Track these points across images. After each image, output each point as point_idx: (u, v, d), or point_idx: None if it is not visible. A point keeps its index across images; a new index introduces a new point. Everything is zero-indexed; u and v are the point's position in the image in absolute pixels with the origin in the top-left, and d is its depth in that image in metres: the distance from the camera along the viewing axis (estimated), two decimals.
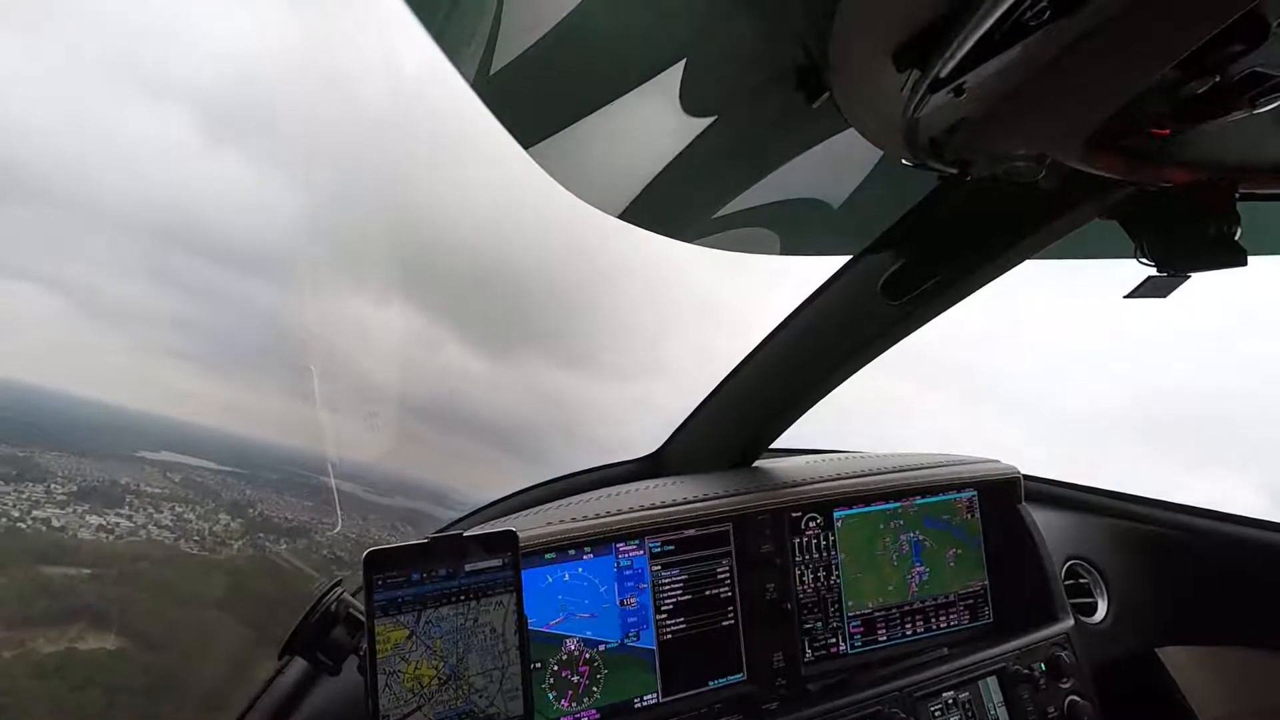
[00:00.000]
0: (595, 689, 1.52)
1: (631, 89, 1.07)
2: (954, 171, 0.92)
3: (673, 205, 1.40)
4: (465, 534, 1.09)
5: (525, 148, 1.17)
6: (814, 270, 1.61)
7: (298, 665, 1.42)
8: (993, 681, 1.75)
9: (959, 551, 1.95)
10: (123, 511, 4.90)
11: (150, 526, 4.86)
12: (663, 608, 1.61)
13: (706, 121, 1.14)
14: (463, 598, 1.06)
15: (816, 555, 1.78)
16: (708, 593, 1.66)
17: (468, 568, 1.07)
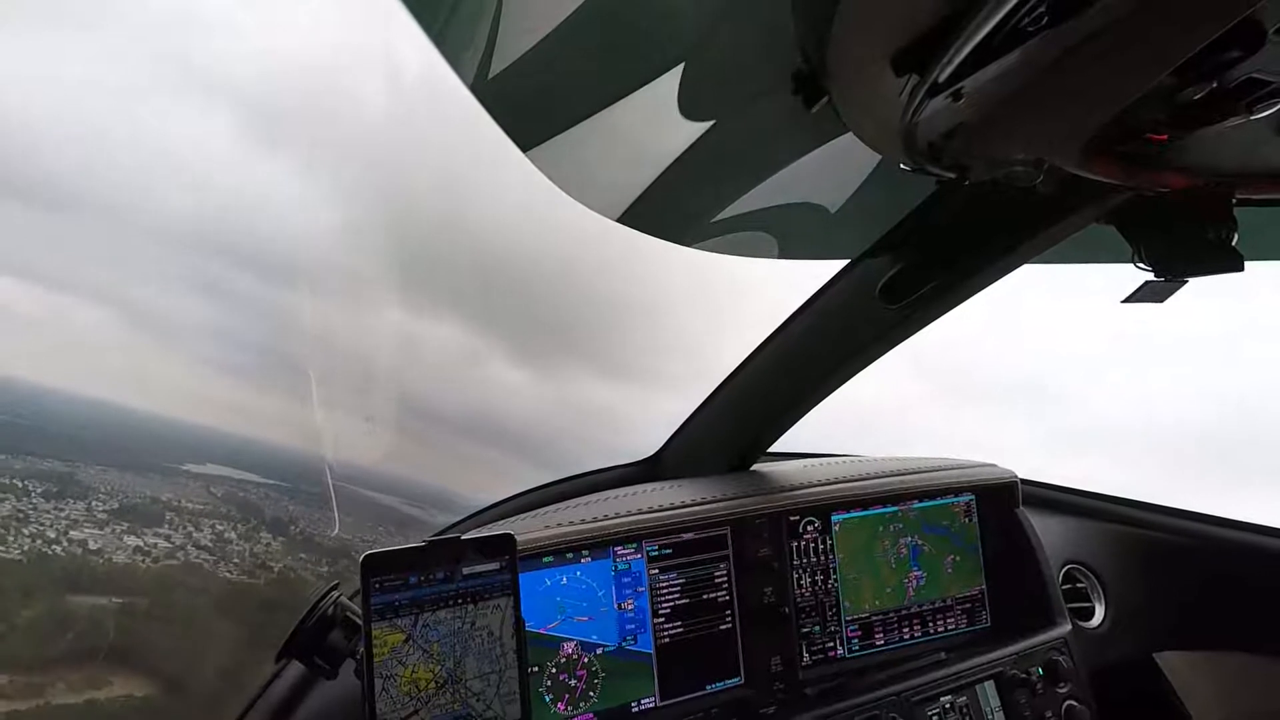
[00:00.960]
0: (593, 693, 1.52)
1: (630, 93, 1.07)
2: (952, 176, 0.92)
3: (671, 209, 1.40)
4: (463, 537, 1.09)
5: (524, 151, 1.17)
6: (812, 274, 1.61)
7: (294, 669, 1.42)
8: (990, 686, 1.75)
9: (957, 559, 1.95)
10: (161, 531, 4.70)
11: (189, 547, 4.66)
12: (660, 611, 1.61)
13: (705, 126, 1.14)
14: (460, 601, 1.06)
15: (814, 559, 1.78)
16: (705, 596, 1.66)
17: (465, 571, 1.07)
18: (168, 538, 4.68)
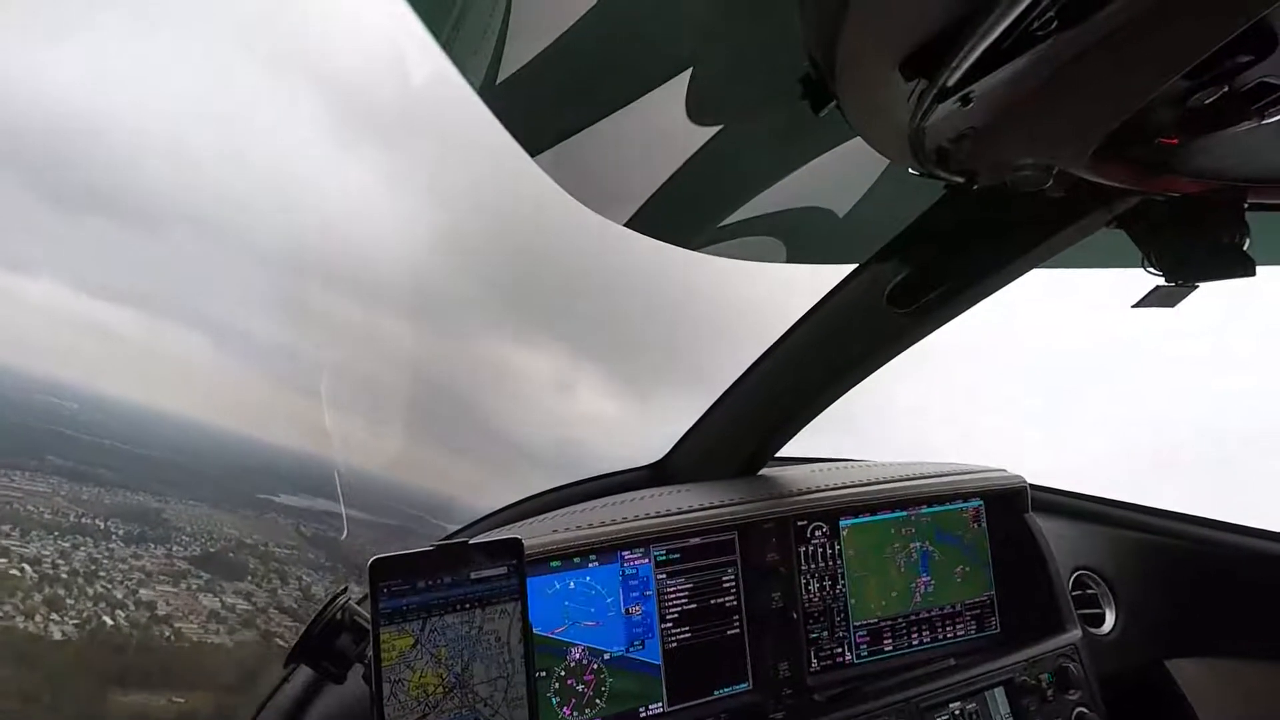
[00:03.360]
0: (600, 698, 1.52)
1: (638, 98, 1.07)
2: (961, 180, 0.92)
3: (679, 214, 1.40)
4: (470, 542, 1.09)
5: (532, 156, 1.18)
6: (820, 279, 1.61)
7: (303, 674, 1.42)
8: (1000, 692, 1.74)
9: (966, 569, 1.94)
10: (243, 587, 4.28)
11: (271, 610, 4.20)
12: (668, 616, 1.60)
13: (713, 130, 1.14)
14: (468, 606, 1.06)
15: (822, 564, 1.77)
16: (713, 601, 1.65)
17: (473, 576, 1.07)
18: (249, 596, 4.26)
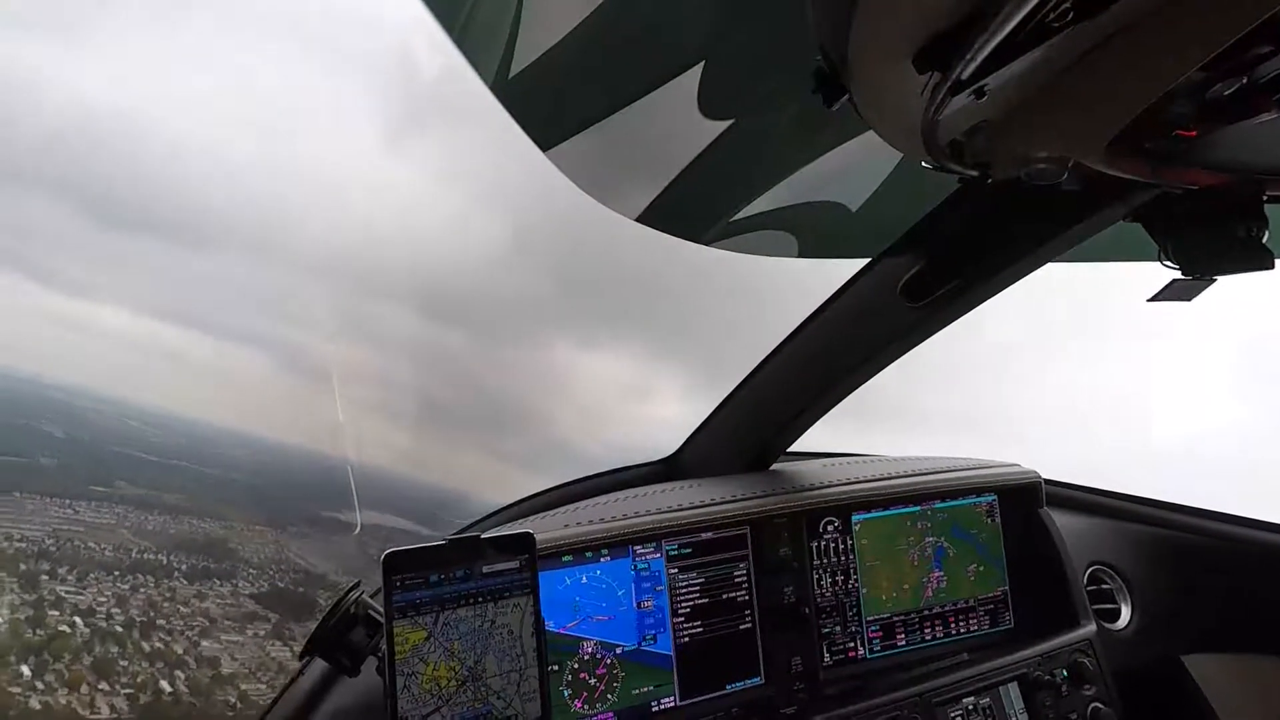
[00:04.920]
0: (612, 692, 1.52)
1: (649, 92, 1.07)
2: (975, 174, 0.91)
3: (691, 208, 1.40)
4: (482, 536, 1.09)
5: (544, 150, 1.18)
6: (832, 273, 1.61)
7: (318, 666, 1.43)
8: (1014, 687, 1.74)
9: (980, 568, 1.93)
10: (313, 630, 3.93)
11: None
12: (680, 611, 1.61)
13: (724, 124, 1.14)
14: (480, 599, 1.07)
15: (835, 559, 1.77)
16: (725, 596, 1.65)
17: (485, 570, 1.08)
18: None
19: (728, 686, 1.62)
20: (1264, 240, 0.96)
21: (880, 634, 1.80)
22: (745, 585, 1.67)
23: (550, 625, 1.46)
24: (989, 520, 1.96)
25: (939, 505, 1.90)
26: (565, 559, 1.52)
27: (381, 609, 1.04)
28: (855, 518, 1.81)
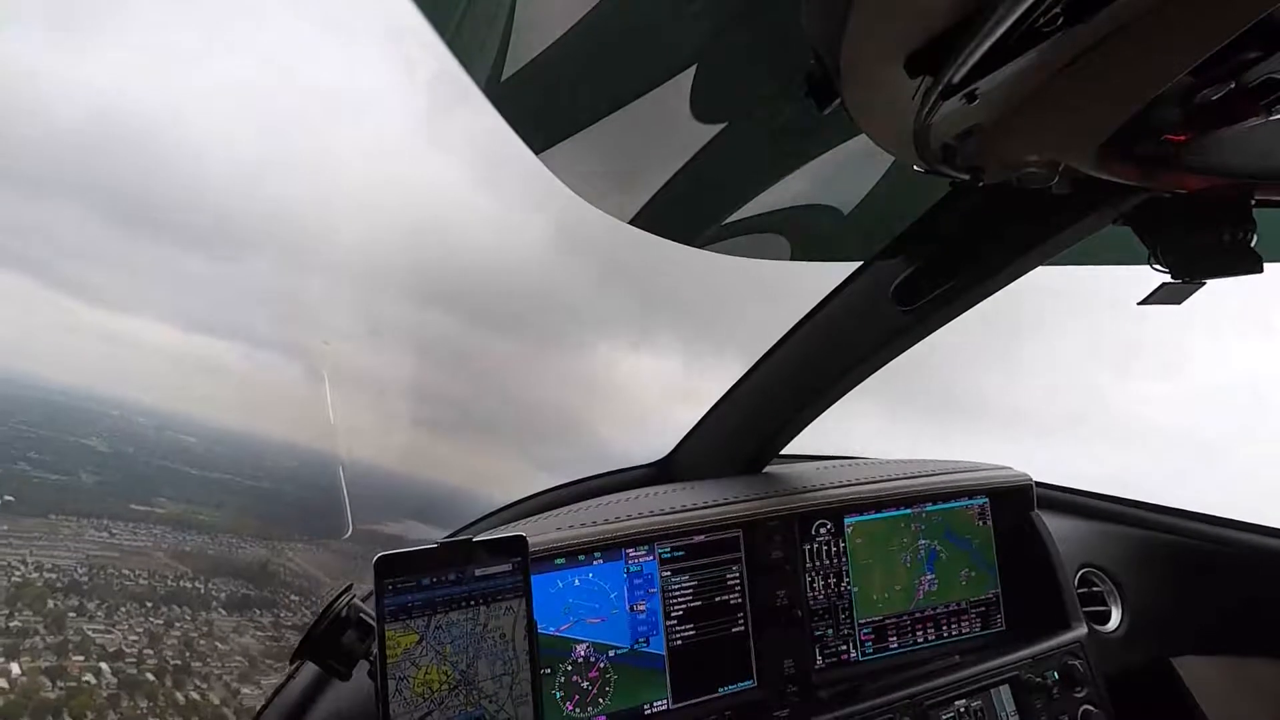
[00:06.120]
0: (605, 695, 1.52)
1: (642, 95, 1.07)
2: (966, 177, 0.92)
3: (683, 211, 1.40)
4: (475, 539, 1.09)
5: (536, 153, 1.17)
6: (824, 277, 1.61)
7: (309, 670, 1.43)
8: (1005, 690, 1.74)
9: (971, 570, 1.93)
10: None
11: None
12: (673, 613, 1.61)
13: (717, 128, 1.14)
14: (472, 603, 1.06)
15: (827, 561, 1.77)
16: (718, 599, 1.65)
17: (477, 573, 1.07)
18: None
19: (720, 689, 1.62)
20: (1252, 244, 0.97)
21: (872, 636, 1.80)
22: (738, 588, 1.67)
23: (543, 628, 1.46)
24: (980, 523, 1.97)
25: (931, 508, 1.91)
26: (558, 562, 1.52)
27: (373, 612, 1.03)
28: (847, 520, 1.81)
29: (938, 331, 1.50)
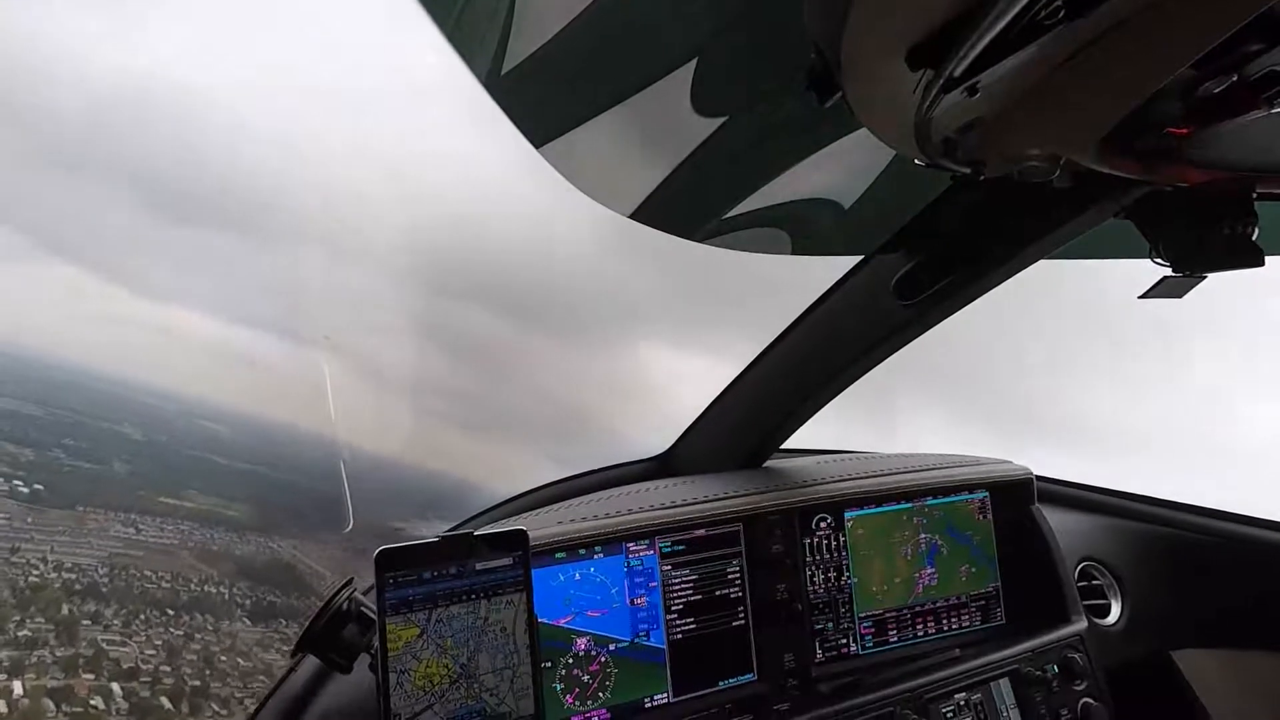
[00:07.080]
0: (606, 688, 1.52)
1: (643, 88, 1.07)
2: (967, 171, 0.92)
3: (684, 205, 1.40)
4: (475, 533, 1.09)
5: (536, 147, 1.17)
6: (825, 270, 1.61)
7: (310, 663, 1.43)
8: (1005, 683, 1.74)
9: (972, 567, 1.94)
10: None
11: None
12: (673, 607, 1.61)
13: (718, 121, 1.14)
14: (473, 596, 1.07)
15: (827, 556, 1.78)
16: (718, 593, 1.66)
17: (478, 566, 1.08)
18: None
19: (720, 683, 1.62)
20: (1254, 237, 0.97)
21: (873, 630, 1.81)
22: (738, 582, 1.68)
23: (543, 621, 1.46)
24: (981, 517, 1.97)
25: (931, 502, 1.91)
26: (559, 556, 1.52)
27: (374, 606, 1.03)
28: (848, 514, 1.81)
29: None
